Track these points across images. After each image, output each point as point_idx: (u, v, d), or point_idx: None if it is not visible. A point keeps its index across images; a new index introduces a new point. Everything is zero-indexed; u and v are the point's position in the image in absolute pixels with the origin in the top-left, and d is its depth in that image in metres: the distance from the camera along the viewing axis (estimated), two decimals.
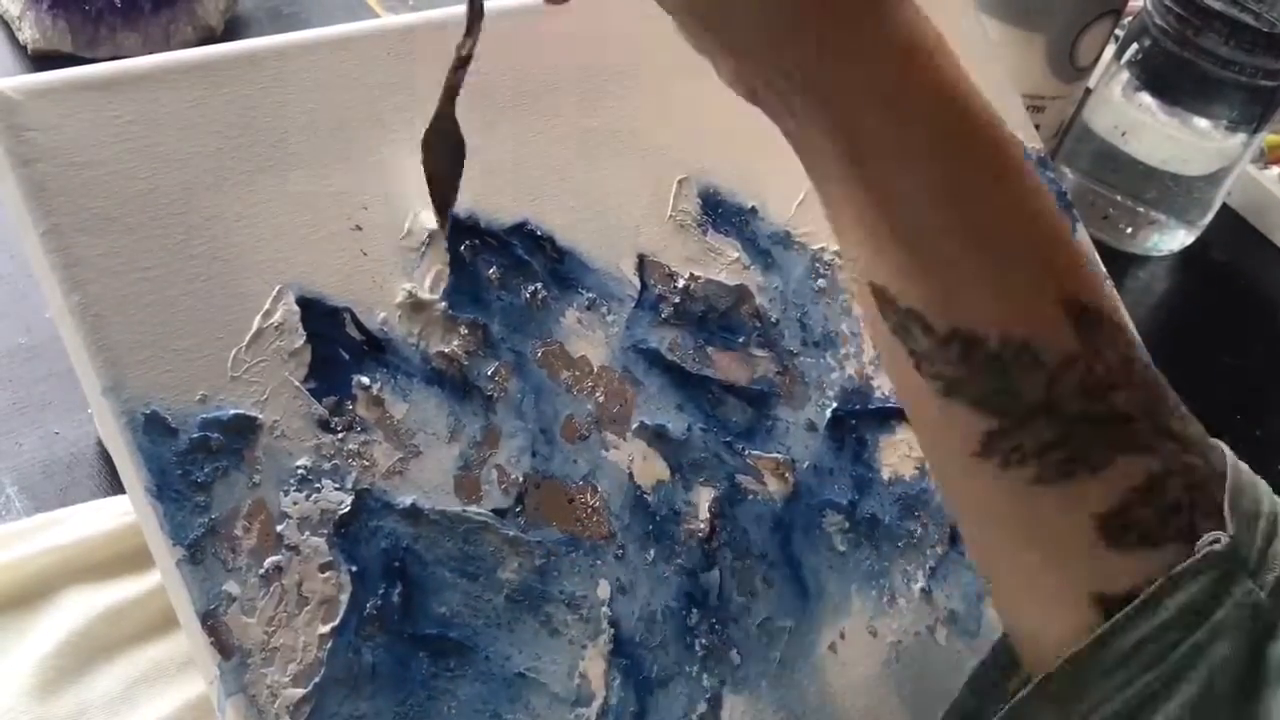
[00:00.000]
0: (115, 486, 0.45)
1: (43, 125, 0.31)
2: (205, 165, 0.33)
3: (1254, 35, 0.62)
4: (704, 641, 0.37)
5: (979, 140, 0.28)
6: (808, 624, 0.39)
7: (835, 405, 0.42)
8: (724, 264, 0.42)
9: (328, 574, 0.32)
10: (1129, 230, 0.71)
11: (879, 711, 0.40)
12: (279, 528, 0.31)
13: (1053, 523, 0.28)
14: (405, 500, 0.33)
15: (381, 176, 0.36)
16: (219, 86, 0.34)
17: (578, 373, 0.37)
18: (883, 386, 0.44)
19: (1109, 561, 0.28)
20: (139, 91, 0.32)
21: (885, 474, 0.43)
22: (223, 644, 0.30)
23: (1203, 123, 0.67)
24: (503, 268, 0.37)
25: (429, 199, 0.35)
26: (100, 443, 0.46)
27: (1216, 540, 0.27)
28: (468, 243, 0.37)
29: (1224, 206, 0.73)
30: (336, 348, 0.34)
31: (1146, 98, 0.67)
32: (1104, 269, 0.53)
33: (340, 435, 0.33)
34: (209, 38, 0.67)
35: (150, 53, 0.34)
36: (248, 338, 0.32)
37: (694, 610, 0.37)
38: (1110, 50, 0.70)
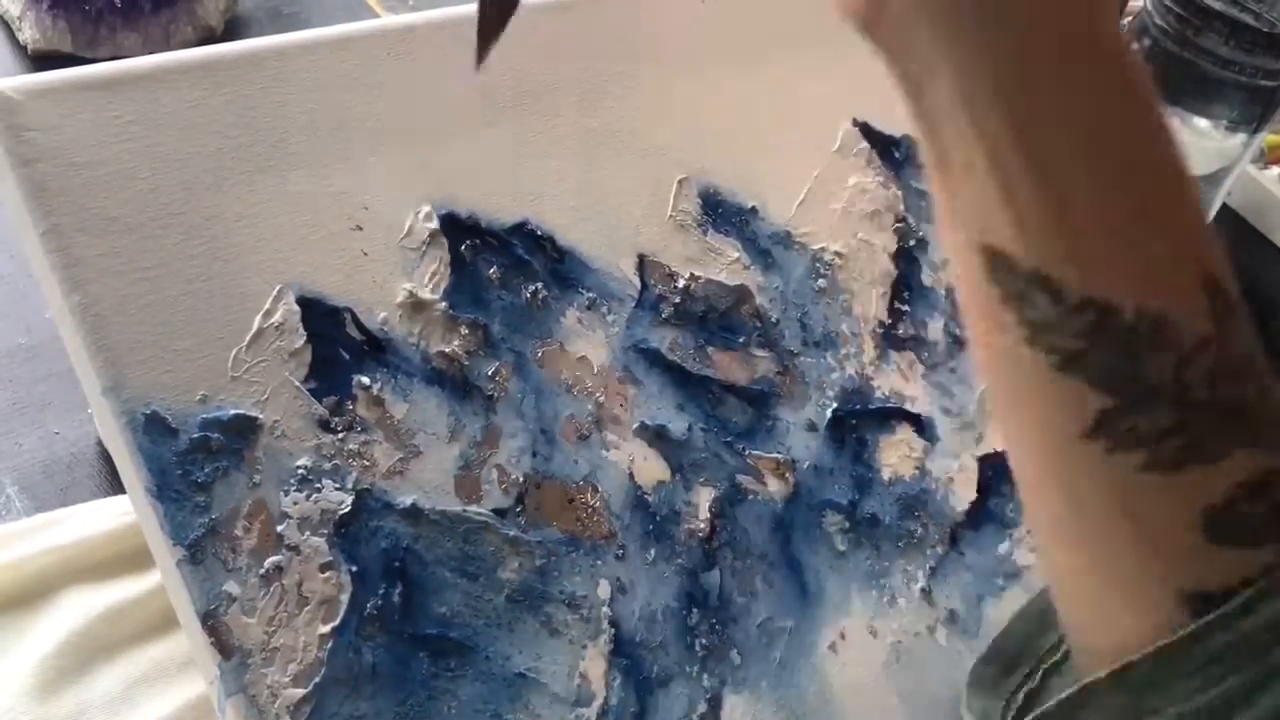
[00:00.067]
0: (115, 486, 0.45)
1: (43, 125, 0.31)
2: (205, 165, 0.33)
3: (1254, 35, 0.62)
4: (704, 641, 0.37)
5: (1141, 96, 0.26)
6: (808, 624, 0.39)
7: (835, 405, 0.42)
8: (724, 264, 0.42)
9: (328, 574, 0.32)
10: None
11: (879, 711, 0.40)
12: (279, 528, 0.31)
13: (1155, 512, 0.27)
14: (405, 500, 0.33)
15: (381, 176, 0.36)
16: (219, 86, 0.34)
17: (578, 373, 0.37)
18: (883, 386, 0.44)
19: (1206, 557, 0.26)
20: (139, 91, 0.32)
21: (885, 474, 0.43)
22: (223, 644, 0.30)
23: (1203, 123, 0.67)
24: (503, 268, 0.37)
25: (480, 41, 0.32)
26: (100, 443, 0.46)
27: None
28: (468, 243, 0.37)
29: (1224, 206, 0.73)
30: (337, 348, 0.33)
31: None
32: None
33: (340, 435, 0.33)
34: (209, 38, 0.67)
35: (150, 53, 0.34)
36: (248, 338, 0.32)
37: (694, 610, 0.37)
38: None
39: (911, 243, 0.47)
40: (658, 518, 0.37)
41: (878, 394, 0.44)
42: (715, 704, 0.37)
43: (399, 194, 0.36)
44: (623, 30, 0.41)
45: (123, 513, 0.42)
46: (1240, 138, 0.67)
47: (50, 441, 0.46)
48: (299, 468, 0.32)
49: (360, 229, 0.35)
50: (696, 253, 0.41)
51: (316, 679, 0.31)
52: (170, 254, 0.32)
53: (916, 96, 0.27)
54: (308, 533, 0.31)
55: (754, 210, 0.43)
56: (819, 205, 0.45)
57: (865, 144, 0.47)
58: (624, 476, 0.37)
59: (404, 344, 0.35)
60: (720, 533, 0.38)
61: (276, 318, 0.33)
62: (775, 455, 0.40)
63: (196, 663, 0.35)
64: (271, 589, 0.31)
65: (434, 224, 0.36)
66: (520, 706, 0.33)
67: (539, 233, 0.38)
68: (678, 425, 0.39)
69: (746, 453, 0.40)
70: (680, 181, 0.42)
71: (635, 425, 0.38)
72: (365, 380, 0.34)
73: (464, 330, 0.36)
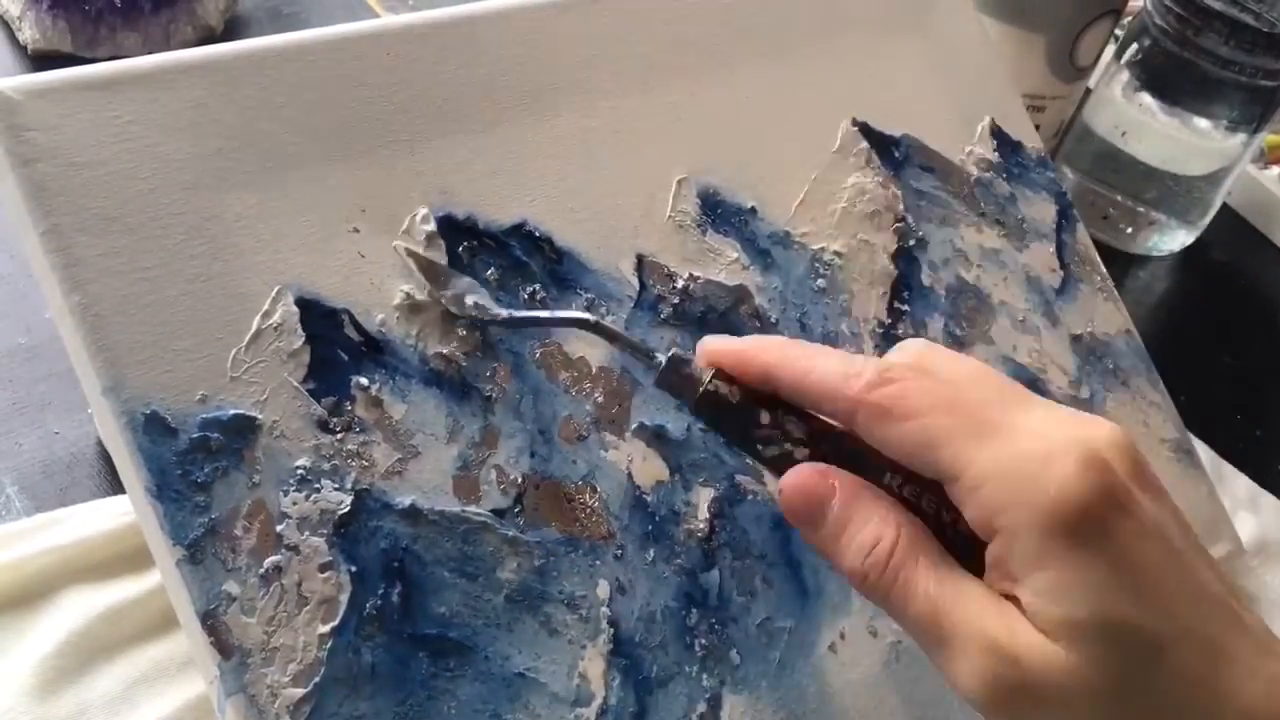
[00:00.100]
0: (115, 486, 0.45)
1: (43, 125, 0.31)
2: (205, 165, 0.33)
3: (1254, 35, 0.62)
4: (704, 641, 0.37)
5: None
6: (807, 624, 0.39)
7: None
8: (723, 264, 0.42)
9: (327, 574, 0.32)
10: (1129, 230, 0.71)
11: (879, 711, 0.40)
12: (279, 528, 0.31)
13: None
14: (404, 500, 0.33)
15: (380, 178, 0.36)
16: (219, 86, 0.34)
17: (576, 373, 0.37)
18: None
19: None
20: (139, 91, 0.32)
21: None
22: (223, 644, 0.30)
23: (1203, 123, 0.67)
24: (501, 269, 0.37)
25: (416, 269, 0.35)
26: (100, 443, 0.46)
27: None
28: (466, 244, 0.37)
29: (1224, 206, 0.73)
30: (335, 349, 0.34)
31: (1147, 98, 0.67)
32: (1104, 269, 0.53)
33: (339, 436, 0.33)
34: (209, 38, 0.67)
35: (150, 53, 0.34)
36: (247, 338, 0.32)
37: (694, 610, 0.37)
38: (1110, 50, 0.70)
39: (911, 243, 0.47)
40: (657, 518, 0.37)
41: None
42: (715, 704, 0.37)
43: (396, 196, 0.36)
44: (622, 30, 0.41)
45: (123, 513, 0.43)
46: (1240, 138, 0.67)
47: (50, 441, 0.46)
48: (298, 468, 0.32)
49: (358, 231, 0.35)
50: (695, 253, 0.41)
51: (316, 679, 0.31)
52: (170, 254, 0.32)
53: None
54: (307, 533, 0.32)
55: (753, 210, 0.43)
56: (818, 205, 0.45)
57: (865, 144, 0.47)
58: (623, 477, 0.37)
59: (402, 345, 0.35)
60: (719, 533, 0.38)
61: (275, 318, 0.33)
62: None
63: (196, 663, 0.35)
64: (271, 589, 0.31)
65: (431, 226, 0.36)
66: (520, 706, 0.33)
67: (537, 234, 0.38)
68: (676, 425, 0.39)
69: None
70: (679, 182, 0.42)
71: (634, 425, 0.38)
72: (364, 381, 0.34)
73: (462, 331, 0.36)
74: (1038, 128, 0.54)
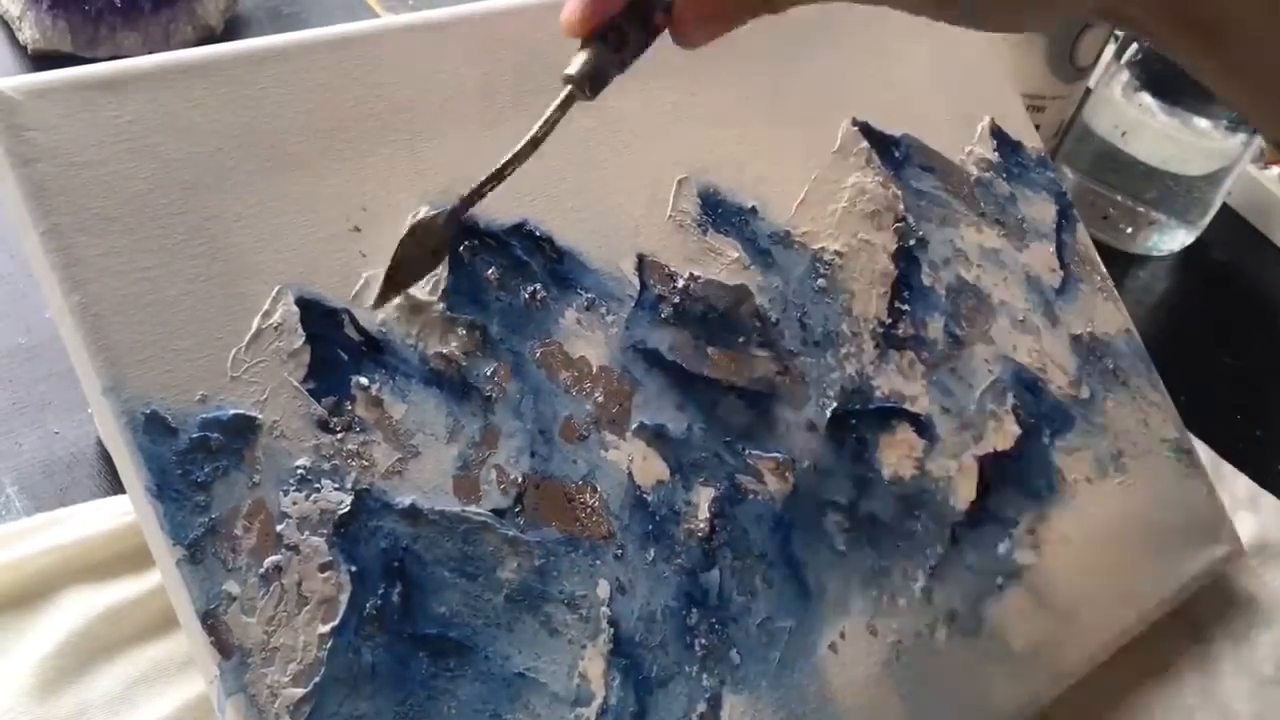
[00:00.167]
0: (115, 486, 0.45)
1: (43, 125, 0.31)
2: (205, 165, 0.33)
3: None
4: (704, 641, 0.37)
5: None
6: (808, 624, 0.39)
7: (835, 405, 0.42)
8: (724, 264, 0.42)
9: (327, 574, 0.32)
10: (1129, 230, 0.71)
11: (879, 711, 0.40)
12: (279, 527, 0.31)
13: None
14: (404, 500, 0.33)
15: (380, 177, 0.36)
16: (219, 86, 0.34)
17: (577, 373, 0.37)
18: (882, 386, 0.44)
19: None
20: (139, 91, 0.32)
21: (885, 473, 0.43)
22: (223, 644, 0.30)
23: (1203, 123, 0.67)
24: (502, 268, 0.37)
25: (381, 277, 0.34)
26: (100, 443, 0.46)
27: None
28: (466, 243, 0.37)
29: (1224, 206, 0.73)
30: (335, 348, 0.34)
31: (1146, 98, 0.67)
32: (1104, 269, 0.53)
33: (339, 435, 0.33)
34: (209, 38, 0.67)
35: (150, 53, 0.34)
36: (247, 338, 0.32)
37: (694, 610, 0.37)
38: (1110, 50, 0.70)
39: (911, 242, 0.47)
40: (657, 517, 0.37)
41: (878, 393, 0.44)
42: (715, 703, 0.37)
43: (397, 195, 0.36)
44: None
45: (123, 513, 0.43)
46: (1240, 138, 0.67)
47: (50, 441, 0.46)
48: (298, 468, 0.32)
49: (359, 230, 0.35)
50: (696, 253, 0.41)
51: (316, 678, 0.31)
52: (170, 254, 0.32)
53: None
54: (307, 532, 0.32)
55: (753, 210, 0.43)
56: (819, 205, 0.45)
57: (865, 144, 0.47)
58: (623, 476, 0.37)
59: (402, 345, 0.35)
60: (720, 532, 0.38)
61: (275, 318, 0.33)
62: (775, 455, 0.40)
63: (196, 662, 0.35)
64: (271, 588, 0.31)
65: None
66: (520, 706, 0.33)
67: (538, 233, 0.38)
68: (677, 425, 0.39)
69: (746, 452, 0.40)
70: (680, 181, 0.42)
71: (634, 425, 0.38)
72: (364, 381, 0.34)
73: (462, 331, 0.36)
74: (1038, 128, 0.54)
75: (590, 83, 0.33)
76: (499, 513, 0.35)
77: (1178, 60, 0.31)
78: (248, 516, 0.31)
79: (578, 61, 0.33)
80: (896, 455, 0.43)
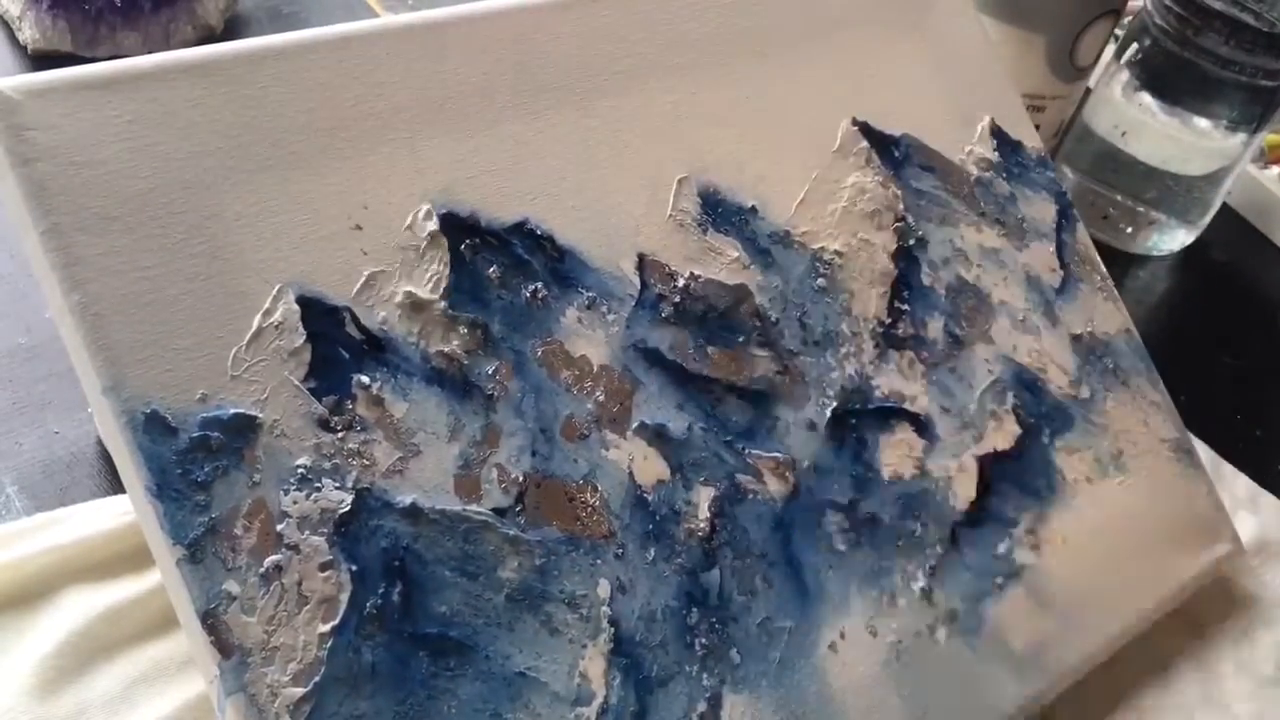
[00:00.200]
0: (115, 486, 0.45)
1: (43, 125, 0.31)
2: (205, 165, 0.33)
3: (1254, 35, 0.62)
4: (704, 641, 0.37)
5: None
6: (808, 624, 0.39)
7: (835, 405, 0.42)
8: (724, 263, 0.42)
9: (328, 573, 0.32)
10: (1129, 230, 0.71)
11: (879, 711, 0.40)
12: (279, 527, 0.31)
13: None
14: (405, 499, 0.33)
15: (381, 176, 0.36)
16: (219, 86, 0.34)
17: (578, 372, 0.37)
18: (882, 386, 0.44)
19: None
20: (139, 91, 0.33)
21: (885, 474, 0.43)
22: (223, 643, 0.30)
23: (1203, 123, 0.67)
24: (503, 267, 0.37)
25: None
26: (100, 443, 0.46)
27: None
28: (468, 242, 0.37)
29: (1224, 206, 0.73)
30: (336, 347, 0.34)
31: (1146, 98, 0.67)
32: (1104, 269, 0.53)
33: (340, 434, 0.33)
34: (209, 38, 0.67)
35: (150, 53, 0.34)
36: (247, 337, 0.32)
37: (694, 609, 0.37)
38: (1110, 50, 0.70)
39: (911, 242, 0.47)
40: (657, 517, 0.37)
41: (877, 393, 0.44)
42: (715, 703, 0.37)
43: (399, 193, 0.36)
44: (622, 30, 0.41)
45: (123, 512, 0.43)
46: (1240, 138, 0.67)
47: (50, 441, 0.46)
48: (299, 467, 0.32)
49: (360, 228, 0.35)
50: (696, 252, 0.41)
51: (316, 678, 0.31)
52: (170, 253, 0.32)
53: None
54: (307, 532, 0.32)
55: (753, 209, 0.43)
56: (818, 204, 0.45)
57: (865, 143, 0.47)
58: (624, 476, 0.37)
59: (403, 343, 0.35)
60: (720, 532, 0.38)
61: (276, 317, 0.33)
62: (775, 455, 0.40)
63: (196, 662, 0.35)
64: (271, 588, 0.31)
65: (434, 223, 0.36)
66: (520, 706, 0.33)
67: (539, 232, 0.38)
68: (677, 424, 0.39)
69: (746, 452, 0.40)
70: (680, 181, 0.42)
71: (635, 424, 0.38)
72: (365, 379, 0.34)
73: (463, 329, 0.36)
74: (1038, 128, 0.54)
75: None
76: (500, 512, 0.35)
77: None
78: (248, 516, 0.31)
79: None
80: (896, 455, 0.43)
